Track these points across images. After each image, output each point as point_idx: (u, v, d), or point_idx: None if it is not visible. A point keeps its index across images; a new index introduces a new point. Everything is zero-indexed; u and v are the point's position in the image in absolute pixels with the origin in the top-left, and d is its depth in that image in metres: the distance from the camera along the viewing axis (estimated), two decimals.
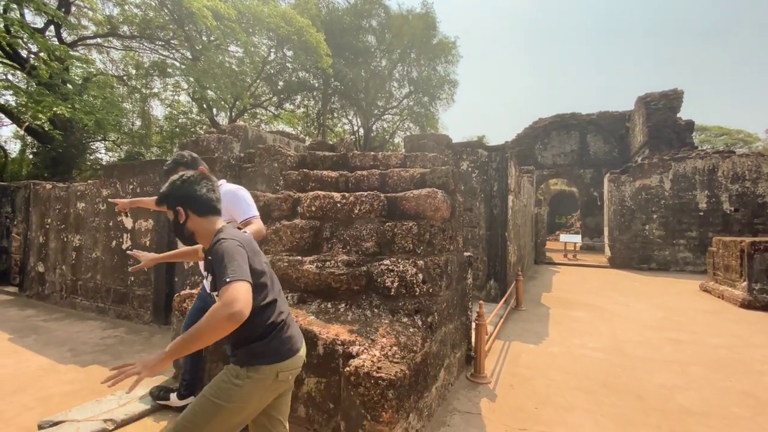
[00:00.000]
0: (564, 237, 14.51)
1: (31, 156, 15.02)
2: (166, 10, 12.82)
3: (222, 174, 4.76)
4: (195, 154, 2.39)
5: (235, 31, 12.36)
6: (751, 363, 3.64)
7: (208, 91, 14.00)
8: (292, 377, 1.43)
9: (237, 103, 15.61)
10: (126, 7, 12.59)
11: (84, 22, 13.45)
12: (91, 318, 5.12)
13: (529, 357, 3.72)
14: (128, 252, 2.24)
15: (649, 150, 13.14)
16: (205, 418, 1.29)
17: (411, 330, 2.32)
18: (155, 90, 16.41)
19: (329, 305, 2.61)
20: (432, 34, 20.61)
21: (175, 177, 1.50)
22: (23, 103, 10.59)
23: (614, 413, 2.66)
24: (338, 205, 2.99)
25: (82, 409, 2.49)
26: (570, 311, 5.63)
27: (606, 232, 12.29)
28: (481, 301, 3.46)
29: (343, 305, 2.58)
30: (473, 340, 3.28)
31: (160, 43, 14.09)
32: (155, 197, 1.66)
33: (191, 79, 13.09)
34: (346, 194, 3.03)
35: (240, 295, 1.15)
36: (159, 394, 2.62)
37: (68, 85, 10.27)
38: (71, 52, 10.87)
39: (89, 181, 5.94)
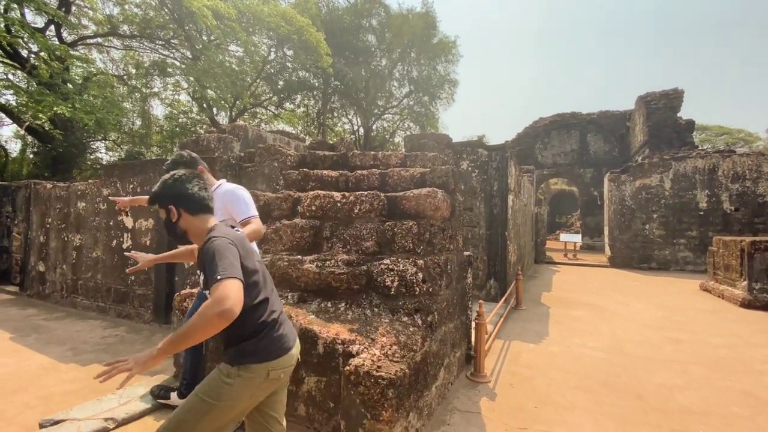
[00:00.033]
0: (564, 236, 14.51)
1: (31, 155, 15.04)
2: (166, 10, 12.81)
3: (222, 173, 4.76)
4: (194, 154, 2.39)
5: (235, 31, 12.36)
6: (751, 362, 3.64)
7: (209, 91, 14.00)
8: (284, 376, 1.43)
9: (237, 102, 15.61)
10: (126, 6, 12.59)
11: (84, 21, 13.45)
12: (91, 317, 5.13)
13: (529, 356, 3.72)
14: (126, 253, 2.24)
15: (649, 149, 13.13)
16: (196, 417, 1.29)
17: (411, 329, 2.32)
18: (155, 89, 16.43)
19: (329, 304, 2.61)
20: (432, 33, 20.59)
21: (166, 176, 1.49)
22: (24, 102, 10.59)
23: (614, 412, 2.66)
24: (338, 204, 2.99)
25: (83, 407, 2.50)
26: (570, 311, 5.64)
27: (606, 232, 12.29)
28: (481, 301, 3.46)
29: (343, 304, 2.58)
30: (473, 339, 3.28)
31: (160, 42, 14.09)
32: None
33: (191, 78, 13.09)
34: (346, 194, 3.03)
35: (231, 292, 1.15)
36: (160, 393, 2.62)
37: (68, 84, 10.28)
38: (71, 52, 10.88)
39: (90, 181, 5.94)
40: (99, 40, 13.86)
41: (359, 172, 3.41)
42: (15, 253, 7.13)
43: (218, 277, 1.18)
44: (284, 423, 1.54)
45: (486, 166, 6.37)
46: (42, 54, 10.37)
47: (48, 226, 6.31)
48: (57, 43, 11.10)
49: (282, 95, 19.86)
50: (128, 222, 5.13)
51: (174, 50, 14.49)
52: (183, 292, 2.89)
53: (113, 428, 2.34)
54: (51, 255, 6.19)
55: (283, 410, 1.54)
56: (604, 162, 17.10)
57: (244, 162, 5.18)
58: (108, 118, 10.50)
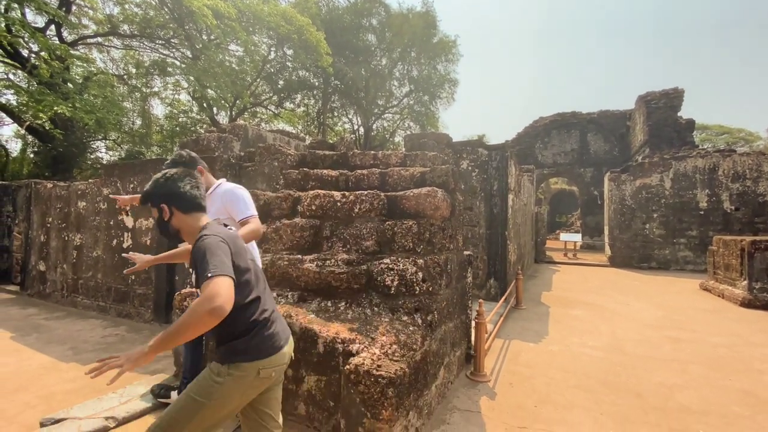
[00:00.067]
0: (564, 236, 14.51)
1: (32, 155, 15.06)
2: (166, 9, 12.81)
3: (222, 173, 4.76)
4: (194, 154, 2.39)
5: (235, 30, 12.36)
6: (750, 362, 3.64)
7: (209, 90, 14.00)
8: (275, 374, 1.42)
9: (237, 102, 15.61)
10: (126, 6, 12.59)
11: (84, 21, 13.45)
12: (92, 317, 5.14)
13: (528, 355, 3.73)
14: (124, 255, 2.24)
15: (649, 149, 13.12)
16: (187, 415, 1.29)
17: (411, 328, 2.32)
18: (155, 89, 16.42)
19: (329, 304, 2.62)
20: (432, 32, 20.58)
21: (158, 175, 1.50)
22: (24, 102, 10.59)
23: (614, 411, 2.66)
24: (338, 203, 3.00)
25: (83, 406, 2.51)
26: (570, 310, 5.64)
27: (606, 231, 12.29)
28: (480, 300, 3.46)
29: (343, 304, 2.59)
30: (473, 338, 3.29)
31: (160, 42, 14.08)
32: None
33: (191, 78, 13.10)
34: (346, 193, 3.03)
35: (221, 290, 1.15)
36: (160, 392, 2.63)
37: (69, 84, 10.28)
38: (72, 52, 10.88)
39: (90, 180, 5.95)
40: (99, 39, 13.86)
41: (359, 171, 3.42)
42: (16, 252, 7.14)
43: (209, 275, 1.18)
44: (280, 420, 1.54)
45: (486, 166, 6.37)
46: (42, 53, 10.38)
47: (48, 225, 6.32)
48: (57, 42, 11.10)
49: (282, 95, 19.86)
50: (128, 221, 5.13)
51: (174, 50, 14.49)
52: (183, 291, 2.89)
53: (114, 427, 2.35)
54: (51, 254, 6.19)
55: (279, 407, 1.54)
56: (604, 161, 17.10)
57: (244, 161, 5.18)
58: (108, 118, 10.50)
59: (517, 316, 5.20)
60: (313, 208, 3.08)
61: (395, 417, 1.90)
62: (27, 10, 10.59)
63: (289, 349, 1.50)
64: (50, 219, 6.31)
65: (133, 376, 3.12)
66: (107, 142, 17.28)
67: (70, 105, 9.29)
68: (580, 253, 14.12)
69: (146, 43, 14.18)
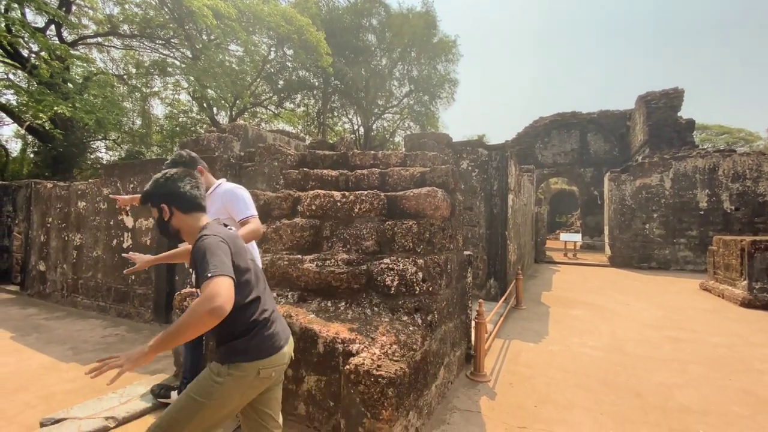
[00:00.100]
0: (564, 236, 14.51)
1: (32, 155, 15.06)
2: (166, 9, 12.81)
3: (222, 173, 4.77)
4: (194, 154, 2.39)
5: (235, 30, 12.36)
6: (750, 362, 3.64)
7: (209, 90, 14.00)
8: (275, 374, 1.42)
9: (237, 102, 15.61)
10: (126, 6, 12.59)
11: (84, 21, 13.45)
12: (92, 317, 5.14)
13: (528, 355, 3.73)
14: (124, 255, 2.25)
15: (649, 149, 13.13)
16: (187, 415, 1.29)
17: (411, 328, 2.33)
18: (155, 89, 16.42)
19: (329, 304, 2.62)
20: (432, 32, 20.58)
21: (158, 175, 1.50)
22: (24, 102, 10.59)
23: (614, 411, 2.67)
24: (338, 203, 3.00)
25: (83, 406, 2.51)
26: (570, 310, 5.64)
27: (606, 231, 12.29)
28: (480, 300, 3.47)
29: (343, 304, 2.59)
30: (473, 338, 3.29)
31: (160, 42, 14.08)
32: None
33: (191, 78, 13.09)
34: (347, 193, 3.03)
35: (222, 290, 1.15)
36: (160, 392, 2.63)
37: (69, 84, 10.28)
38: (72, 52, 10.88)
39: (90, 180, 5.95)
40: (99, 39, 13.86)
41: (359, 171, 3.42)
42: (16, 252, 7.14)
43: (209, 275, 1.18)
44: (280, 420, 1.54)
45: (486, 166, 6.37)
46: (42, 53, 10.39)
47: (48, 225, 6.32)
48: (57, 42, 11.10)
49: (282, 95, 19.86)
50: (128, 221, 5.13)
51: (174, 50, 14.49)
52: (183, 291, 2.89)
53: (114, 427, 2.35)
54: (51, 254, 6.19)
55: (279, 407, 1.54)
56: (604, 161, 17.10)
57: (244, 161, 5.18)
58: (108, 118, 10.50)
59: (517, 316, 5.20)
60: (313, 208, 3.08)
61: (395, 417, 1.90)
62: (27, 10, 10.60)
63: (289, 349, 1.50)
64: (50, 219, 6.31)
65: (133, 376, 3.12)
66: (107, 142, 17.28)
67: (70, 105, 9.30)
68: (580, 253, 14.12)
69: (146, 43, 14.18)
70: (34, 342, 4.06)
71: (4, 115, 12.85)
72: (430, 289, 2.56)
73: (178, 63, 14.14)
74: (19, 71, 11.64)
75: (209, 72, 12.61)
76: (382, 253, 2.78)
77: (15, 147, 17.12)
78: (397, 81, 22.19)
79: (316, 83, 20.08)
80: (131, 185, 5.16)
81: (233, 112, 16.91)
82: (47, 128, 11.11)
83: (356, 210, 2.94)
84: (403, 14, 20.22)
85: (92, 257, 5.54)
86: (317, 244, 3.01)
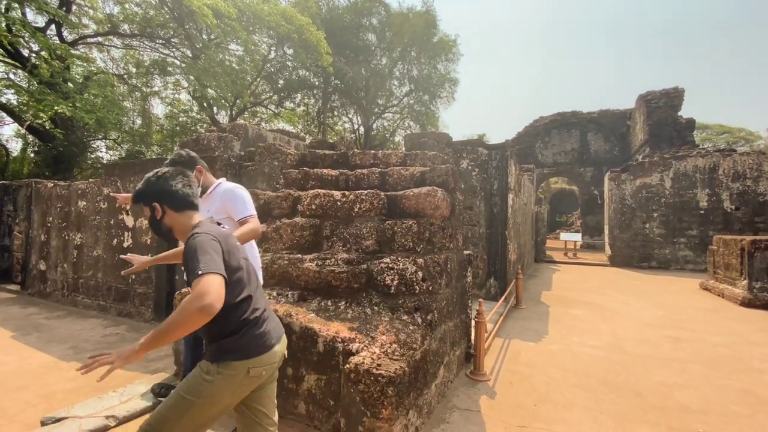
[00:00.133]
0: (564, 235, 14.51)
1: (32, 154, 15.06)
2: (166, 9, 12.81)
3: (222, 172, 4.77)
4: (193, 153, 2.39)
5: (235, 30, 12.36)
6: (750, 361, 3.64)
7: (209, 90, 14.00)
8: (266, 373, 1.42)
9: (237, 101, 15.62)
10: (126, 5, 12.59)
11: (85, 20, 13.46)
12: (92, 316, 5.14)
13: (528, 355, 3.73)
14: (122, 256, 2.25)
15: (649, 148, 13.12)
16: (177, 413, 1.29)
17: (411, 327, 2.33)
18: (155, 88, 16.44)
19: (329, 303, 2.62)
20: (432, 32, 20.57)
21: (150, 174, 1.50)
22: (25, 101, 10.61)
23: (613, 410, 2.67)
24: (338, 203, 3.00)
25: (84, 405, 2.51)
26: (570, 309, 5.64)
27: (606, 231, 12.29)
28: (480, 299, 3.47)
29: (343, 303, 2.59)
30: (473, 337, 3.29)
31: (160, 41, 14.08)
32: None
33: (191, 77, 13.10)
34: (347, 192, 3.04)
35: (212, 288, 1.15)
36: (160, 391, 2.64)
37: (69, 83, 10.28)
38: (72, 51, 10.88)
39: (90, 180, 5.96)
40: (99, 39, 13.86)
41: (359, 170, 3.42)
42: (16, 251, 7.15)
43: (199, 272, 1.18)
44: (275, 417, 1.54)
45: (486, 165, 6.37)
46: (43, 53, 10.38)
47: (49, 224, 6.33)
48: (58, 42, 11.10)
49: (282, 94, 19.86)
50: (129, 221, 5.14)
51: (174, 49, 14.49)
52: (183, 290, 2.90)
53: (114, 426, 2.36)
54: (52, 254, 6.20)
55: (273, 404, 1.54)
56: (604, 161, 17.09)
57: (245, 161, 5.18)
58: (108, 117, 10.51)
59: (517, 316, 5.20)
60: (313, 207, 3.08)
61: (395, 416, 1.90)
62: (27, 10, 10.60)
63: (281, 347, 1.49)
64: (51, 218, 6.31)
65: (133, 375, 3.13)
66: (107, 141, 17.28)
67: (70, 104, 9.30)
68: (580, 253, 14.12)
69: (146, 43, 14.18)
70: (35, 341, 4.07)
71: (4, 114, 12.86)
72: (430, 288, 2.56)
73: (178, 62, 14.15)
74: (20, 71, 11.63)
75: (209, 71, 12.61)
76: (382, 252, 2.78)
77: (15, 146, 17.15)
78: (397, 80, 22.21)
79: (316, 83, 20.08)
80: (131, 185, 5.16)
81: (233, 112, 16.91)
82: (48, 128, 11.11)
83: (356, 209, 2.94)
84: (403, 13, 20.21)
85: (93, 256, 5.55)
86: (317, 244, 3.02)
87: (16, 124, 13.49)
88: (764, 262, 5.99)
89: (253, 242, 2.35)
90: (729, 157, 10.24)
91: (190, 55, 14.10)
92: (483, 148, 6.51)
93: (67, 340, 4.13)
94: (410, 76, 21.84)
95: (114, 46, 14.69)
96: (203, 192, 2.33)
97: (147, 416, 2.47)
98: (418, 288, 2.50)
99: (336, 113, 23.54)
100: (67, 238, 5.97)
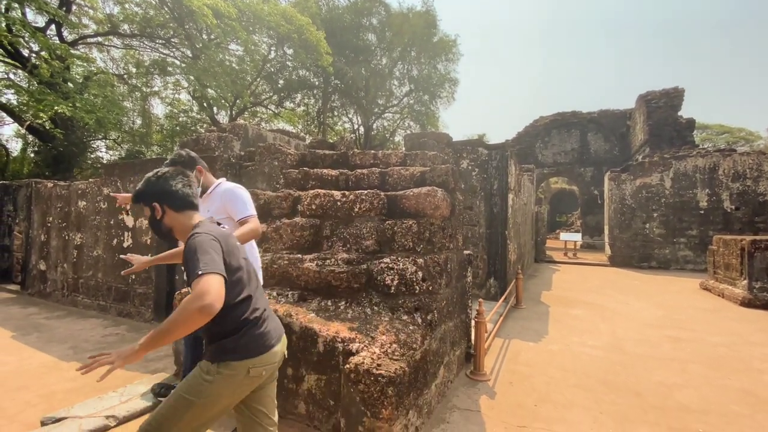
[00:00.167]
0: (564, 235, 14.51)
1: (32, 154, 15.06)
2: (166, 9, 12.81)
3: (222, 172, 4.77)
4: (193, 153, 2.39)
5: (235, 30, 12.36)
6: (750, 361, 3.64)
7: (209, 90, 14.00)
8: (266, 373, 1.42)
9: (237, 101, 15.62)
10: (126, 5, 12.59)
11: (85, 20, 13.46)
12: (92, 316, 5.14)
13: (528, 355, 3.73)
14: (121, 256, 2.25)
15: (649, 148, 13.12)
16: (177, 414, 1.29)
17: (411, 327, 2.33)
18: (155, 88, 16.44)
19: (329, 303, 2.62)
20: (432, 32, 20.57)
21: (149, 174, 1.50)
22: (25, 101, 10.61)
23: (613, 410, 2.67)
24: (338, 203, 3.00)
25: (84, 405, 2.51)
26: (570, 309, 5.64)
27: (606, 231, 12.29)
28: (480, 299, 3.47)
29: (343, 303, 2.59)
30: (473, 337, 3.29)
31: (160, 41, 14.08)
32: None
33: (191, 77, 13.10)
34: (347, 192, 3.04)
35: (212, 288, 1.15)
36: (161, 391, 2.64)
37: (69, 83, 10.28)
38: (72, 51, 10.88)
39: (90, 180, 5.96)
40: (99, 39, 13.87)
41: (359, 170, 3.42)
42: (16, 251, 7.15)
43: (199, 272, 1.18)
44: (275, 417, 1.54)
45: (486, 165, 6.37)
46: (43, 53, 10.38)
47: (49, 224, 6.33)
48: (58, 42, 11.10)
49: (282, 94, 19.86)
50: (129, 221, 5.14)
51: (174, 49, 14.49)
52: (183, 290, 2.90)
53: (114, 426, 2.36)
54: (52, 254, 6.20)
55: (273, 404, 1.54)
56: (604, 161, 17.09)
57: (245, 161, 5.18)
58: (108, 117, 10.52)
59: (517, 316, 5.20)
60: (314, 207, 3.08)
61: (395, 416, 1.90)
62: (27, 10, 10.60)
63: (281, 347, 1.49)
64: (51, 218, 6.31)
65: (133, 375, 3.13)
66: (107, 141, 17.29)
67: (70, 104, 9.30)
68: (580, 253, 14.13)
69: (146, 43, 14.19)
70: (35, 341, 4.07)
71: (4, 114, 12.86)
72: (430, 288, 2.56)
73: (178, 62, 14.15)
74: (20, 71, 11.64)
75: (209, 71, 12.62)
76: (382, 252, 2.78)
77: (15, 146, 17.15)
78: (397, 80, 22.21)
79: (316, 83, 20.08)
80: (131, 185, 5.16)
81: (233, 112, 16.92)
82: (48, 128, 11.11)
83: (356, 209, 2.94)
84: (404, 13, 20.22)
85: (93, 256, 5.55)
86: (317, 244, 3.02)
87: (16, 124, 13.49)
88: (764, 262, 5.99)
89: (253, 242, 2.35)
90: (729, 157, 10.25)
91: (190, 55, 14.10)
92: (483, 148, 6.51)
93: (67, 340, 4.13)
94: (410, 76, 21.84)
95: (114, 46, 14.70)
96: (203, 192, 2.33)
97: (147, 416, 2.48)
98: (418, 288, 2.50)
99: (336, 113, 23.54)
100: (67, 238, 5.97)
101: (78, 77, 11.84)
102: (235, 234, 2.01)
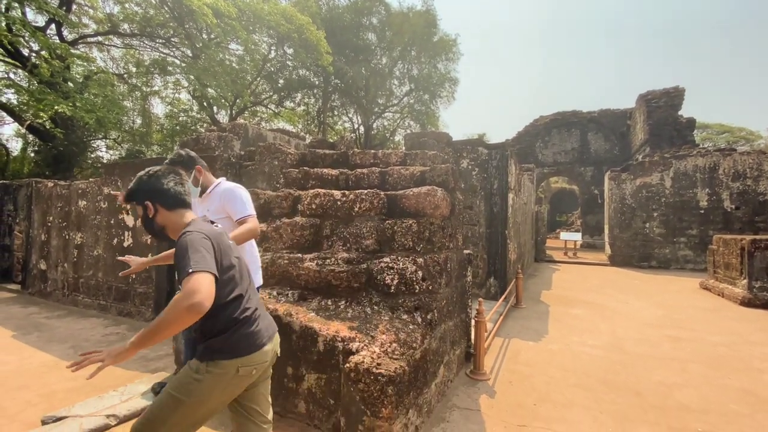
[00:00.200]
0: (564, 235, 14.50)
1: (32, 154, 15.07)
2: (166, 8, 12.82)
3: (222, 172, 4.77)
4: (192, 153, 2.39)
5: (235, 29, 12.36)
6: (750, 361, 3.65)
7: (209, 89, 14.00)
8: (255, 372, 1.41)
9: (237, 101, 15.62)
10: (126, 5, 12.60)
11: (85, 20, 13.47)
12: (93, 315, 5.15)
13: (528, 354, 3.73)
14: (119, 258, 2.25)
15: (650, 148, 13.11)
16: (166, 413, 1.29)
17: (410, 327, 2.33)
18: (156, 88, 16.44)
19: (329, 302, 2.62)
20: (432, 31, 20.56)
21: (141, 173, 1.50)
22: (25, 101, 10.62)
23: (613, 410, 2.67)
24: (338, 202, 3.00)
25: (85, 404, 2.52)
26: (570, 309, 5.64)
27: (606, 230, 12.29)
28: (480, 299, 3.47)
29: (343, 302, 2.60)
30: (473, 337, 3.29)
31: (160, 41, 14.09)
32: None
33: (192, 77, 13.10)
34: (347, 192, 3.04)
35: (201, 286, 1.14)
36: (161, 390, 2.64)
37: (69, 83, 10.28)
38: (72, 51, 10.88)
39: (91, 179, 5.96)
40: (99, 38, 13.87)
41: (359, 170, 3.42)
42: (17, 251, 7.15)
43: (189, 270, 1.18)
44: (269, 415, 1.54)
45: (486, 165, 6.37)
46: (43, 53, 10.38)
47: (49, 224, 6.33)
48: (58, 41, 11.10)
49: (282, 93, 19.85)
50: (129, 220, 5.14)
51: (174, 48, 14.49)
52: None
53: (115, 425, 2.36)
54: (52, 253, 6.21)
55: (267, 403, 1.54)
56: (604, 160, 17.08)
57: (245, 160, 5.18)
58: (108, 117, 10.52)
59: (517, 315, 5.21)
60: (314, 206, 3.09)
61: (395, 415, 1.90)
62: (27, 9, 10.59)
63: (272, 346, 1.48)
64: (51, 218, 6.32)
65: (134, 374, 3.14)
66: (108, 141, 17.30)
67: (70, 104, 9.31)
68: (581, 252, 14.13)
69: (146, 42, 14.19)
70: (36, 340, 4.07)
71: (4, 114, 12.87)
72: (430, 287, 2.57)
73: (178, 62, 14.14)
74: (20, 70, 11.64)
75: (209, 71, 12.62)
76: (382, 251, 2.78)
77: (16, 146, 17.16)
78: (397, 80, 22.20)
79: (317, 82, 20.08)
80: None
81: (233, 111, 16.91)
82: (48, 127, 11.12)
83: (356, 209, 2.94)
84: (404, 13, 20.21)
85: (93, 256, 5.55)
86: (317, 243, 3.02)
87: (16, 124, 13.50)
88: (764, 261, 5.99)
89: (253, 241, 2.35)
90: (729, 157, 10.24)
91: (190, 55, 14.10)
92: (483, 147, 6.51)
93: (68, 339, 4.13)
94: (410, 75, 21.84)
95: (114, 46, 14.70)
96: (203, 191, 2.33)
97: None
98: (417, 287, 2.50)
99: (336, 113, 23.54)
100: (67, 237, 5.98)
101: (78, 77, 11.85)
102: (233, 234, 2.02)
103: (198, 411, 1.32)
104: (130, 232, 5.13)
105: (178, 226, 1.44)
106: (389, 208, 2.95)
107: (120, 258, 2.15)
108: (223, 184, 2.40)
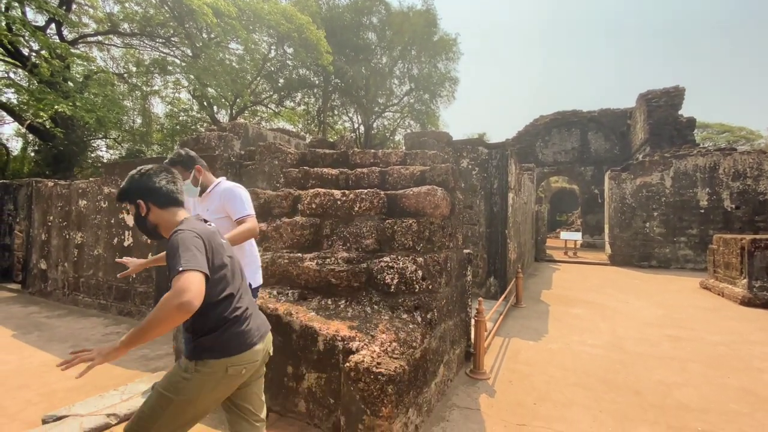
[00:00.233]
0: (564, 234, 14.51)
1: (32, 154, 15.08)
2: (166, 8, 12.81)
3: (223, 171, 4.77)
4: (192, 152, 2.39)
5: (235, 29, 12.35)
6: (750, 360, 3.65)
7: (209, 89, 14.00)
8: (246, 371, 1.40)
9: (237, 100, 15.61)
10: (126, 4, 12.61)
11: (85, 19, 13.46)
12: (93, 315, 5.16)
13: (528, 354, 3.74)
14: (117, 260, 2.25)
15: (650, 147, 13.10)
16: (156, 411, 1.28)
17: (410, 326, 2.33)
18: (156, 87, 16.43)
19: (329, 302, 2.63)
20: (433, 31, 20.55)
21: (133, 171, 1.49)
22: (25, 101, 10.62)
23: (613, 409, 2.67)
24: (338, 202, 3.00)
25: (85, 404, 2.52)
26: (570, 308, 5.65)
27: (606, 230, 12.29)
28: (480, 298, 3.47)
29: (343, 302, 2.60)
30: (473, 336, 3.30)
31: (160, 40, 14.08)
32: None
33: (192, 76, 13.10)
34: (347, 192, 3.04)
35: (191, 285, 1.14)
36: None
37: (69, 82, 10.28)
38: (72, 50, 10.88)
39: (91, 179, 5.97)
40: (99, 38, 13.87)
41: (359, 170, 3.42)
42: (17, 250, 7.16)
43: (180, 269, 1.17)
44: (262, 414, 1.54)
45: (486, 164, 6.37)
46: (43, 52, 10.38)
47: (49, 224, 6.34)
48: (58, 41, 11.09)
49: (282, 93, 19.85)
50: (129, 220, 5.14)
51: (174, 48, 14.49)
52: None
53: (115, 424, 2.37)
54: (53, 253, 6.21)
55: (260, 402, 1.54)
56: (604, 160, 17.08)
57: (245, 160, 5.18)
58: (109, 116, 10.52)
59: (517, 315, 5.21)
60: (314, 206, 3.09)
61: (395, 414, 1.91)
62: (27, 9, 10.59)
63: (263, 345, 1.48)
64: (51, 217, 6.32)
65: (134, 373, 3.14)
66: (108, 140, 17.31)
67: (70, 103, 9.31)
68: (581, 252, 14.13)
69: (146, 42, 14.19)
70: (36, 340, 4.08)
71: (4, 113, 12.87)
72: (430, 287, 2.57)
73: (178, 61, 14.14)
74: (20, 70, 11.63)
75: (209, 70, 12.62)
76: (382, 251, 2.78)
77: (16, 146, 17.18)
78: (397, 79, 22.19)
79: (317, 81, 20.07)
80: None
81: (233, 111, 16.91)
82: (48, 127, 11.13)
83: (356, 208, 2.94)
84: (404, 12, 20.20)
85: (93, 255, 5.56)
86: (317, 243, 3.02)
87: (16, 123, 13.49)
88: (764, 261, 5.99)
89: (253, 241, 2.35)
90: (729, 156, 10.24)
91: (190, 54, 14.10)
92: (483, 147, 6.51)
93: (68, 338, 4.14)
94: (410, 74, 21.83)
95: (114, 45, 14.70)
96: (203, 191, 2.33)
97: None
98: (417, 287, 2.50)
99: (336, 112, 23.54)
100: (67, 237, 5.98)
101: (78, 76, 11.85)
102: (232, 233, 2.02)
103: (188, 410, 1.31)
104: (130, 232, 5.13)
105: (171, 225, 1.43)
106: (389, 208, 2.96)
107: (118, 260, 2.14)
108: (223, 183, 2.40)
